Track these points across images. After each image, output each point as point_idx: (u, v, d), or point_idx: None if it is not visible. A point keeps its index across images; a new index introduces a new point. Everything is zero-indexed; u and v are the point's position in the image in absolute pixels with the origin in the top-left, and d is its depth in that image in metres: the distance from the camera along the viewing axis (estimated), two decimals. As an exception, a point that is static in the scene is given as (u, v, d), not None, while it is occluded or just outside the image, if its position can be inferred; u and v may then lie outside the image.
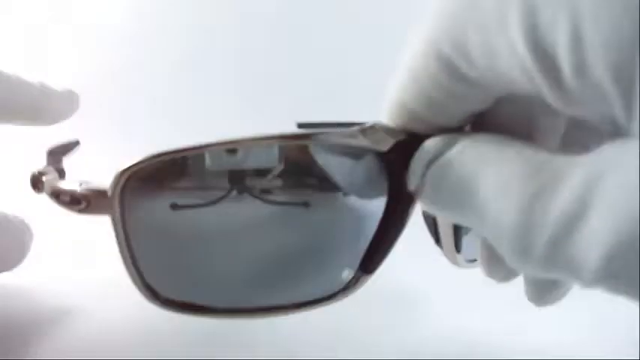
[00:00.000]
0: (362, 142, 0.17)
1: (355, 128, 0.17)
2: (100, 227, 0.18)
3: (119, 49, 0.50)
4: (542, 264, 0.12)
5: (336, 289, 0.19)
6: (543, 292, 0.18)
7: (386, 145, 0.16)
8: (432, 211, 0.16)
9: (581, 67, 0.11)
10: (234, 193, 0.18)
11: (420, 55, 0.14)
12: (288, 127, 0.19)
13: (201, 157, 0.18)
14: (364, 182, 0.18)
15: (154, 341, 0.23)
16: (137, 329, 0.24)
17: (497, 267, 0.19)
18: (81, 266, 0.28)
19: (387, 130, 0.17)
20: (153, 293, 0.18)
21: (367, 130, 0.17)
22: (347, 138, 0.17)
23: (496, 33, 0.12)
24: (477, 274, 0.20)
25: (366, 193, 0.19)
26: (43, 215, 0.23)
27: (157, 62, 0.50)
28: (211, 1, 0.50)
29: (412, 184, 0.16)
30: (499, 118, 0.16)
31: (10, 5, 0.50)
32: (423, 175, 0.15)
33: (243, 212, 0.18)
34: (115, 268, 0.18)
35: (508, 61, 0.12)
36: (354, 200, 0.19)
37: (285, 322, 0.20)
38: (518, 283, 0.19)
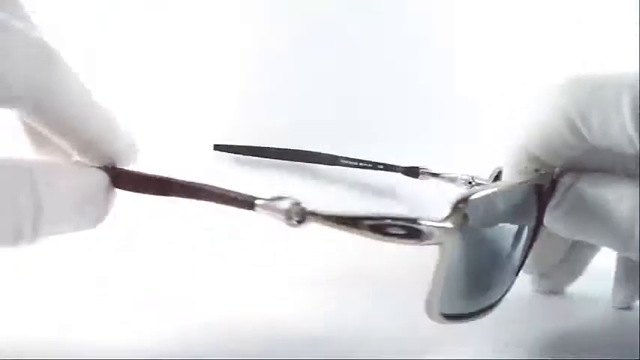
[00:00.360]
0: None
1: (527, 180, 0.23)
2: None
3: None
4: None
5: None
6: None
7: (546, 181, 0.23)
8: (571, 230, 0.23)
9: None
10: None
11: (552, 117, 0.21)
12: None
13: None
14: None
15: None
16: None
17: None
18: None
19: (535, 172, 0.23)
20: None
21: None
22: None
23: (613, 115, 0.20)
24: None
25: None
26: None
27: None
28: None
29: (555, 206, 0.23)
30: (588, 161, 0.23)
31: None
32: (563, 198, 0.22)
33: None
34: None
35: (618, 133, 0.20)
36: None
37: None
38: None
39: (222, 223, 0.31)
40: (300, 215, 0.19)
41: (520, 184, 0.22)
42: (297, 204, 0.19)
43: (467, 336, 0.23)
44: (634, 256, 0.21)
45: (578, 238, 0.23)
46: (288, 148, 0.42)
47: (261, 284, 0.30)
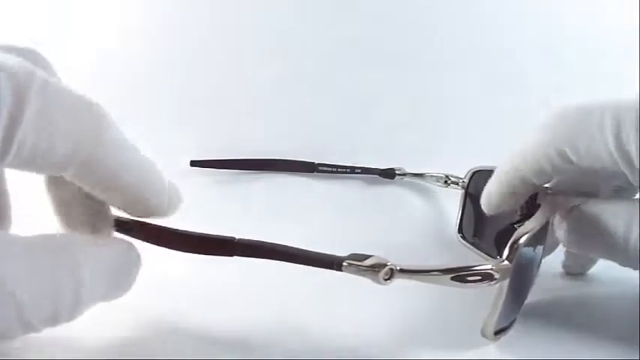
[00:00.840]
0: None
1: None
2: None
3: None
4: None
5: None
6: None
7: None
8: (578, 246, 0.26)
9: None
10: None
11: (543, 147, 0.24)
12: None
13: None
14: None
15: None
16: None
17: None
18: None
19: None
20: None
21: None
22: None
23: (599, 142, 0.22)
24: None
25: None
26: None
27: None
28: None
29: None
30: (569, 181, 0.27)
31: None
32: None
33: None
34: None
35: (605, 157, 0.22)
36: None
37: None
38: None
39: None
40: (389, 273, 0.21)
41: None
42: (385, 264, 0.21)
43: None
44: (633, 268, 0.24)
45: (582, 252, 0.26)
46: (265, 158, 0.43)
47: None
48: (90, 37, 0.45)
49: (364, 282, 0.22)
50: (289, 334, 0.25)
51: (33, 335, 0.19)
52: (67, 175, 0.19)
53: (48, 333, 0.20)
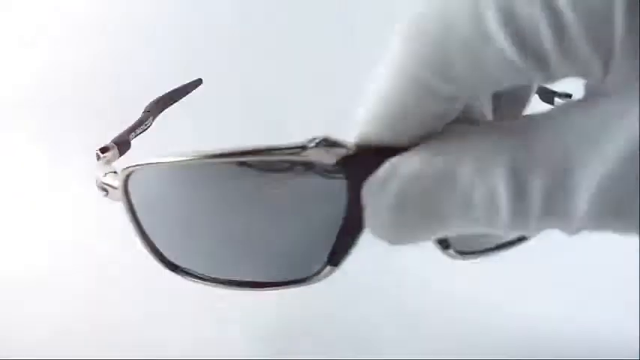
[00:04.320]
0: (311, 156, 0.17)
1: (302, 142, 0.17)
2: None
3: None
4: (540, 220, 0.14)
5: (306, 276, 0.20)
6: None
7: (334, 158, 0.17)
8: (396, 235, 0.16)
9: (567, 51, 0.12)
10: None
11: (397, 88, 0.14)
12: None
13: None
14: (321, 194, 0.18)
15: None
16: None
17: None
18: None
19: (337, 144, 0.17)
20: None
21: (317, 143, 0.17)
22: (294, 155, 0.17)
23: (480, 46, 0.13)
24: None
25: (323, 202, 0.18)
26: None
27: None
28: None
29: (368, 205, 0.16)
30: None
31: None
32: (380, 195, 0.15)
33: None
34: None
35: (497, 67, 0.13)
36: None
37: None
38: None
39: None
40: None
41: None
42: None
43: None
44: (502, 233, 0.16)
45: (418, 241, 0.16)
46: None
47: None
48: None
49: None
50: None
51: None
52: None
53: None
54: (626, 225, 0.13)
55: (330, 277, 0.19)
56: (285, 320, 0.26)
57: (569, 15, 0.12)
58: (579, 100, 0.14)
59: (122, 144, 0.25)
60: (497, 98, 0.18)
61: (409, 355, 0.24)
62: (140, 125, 0.29)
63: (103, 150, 0.24)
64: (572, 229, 0.13)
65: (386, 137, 0.15)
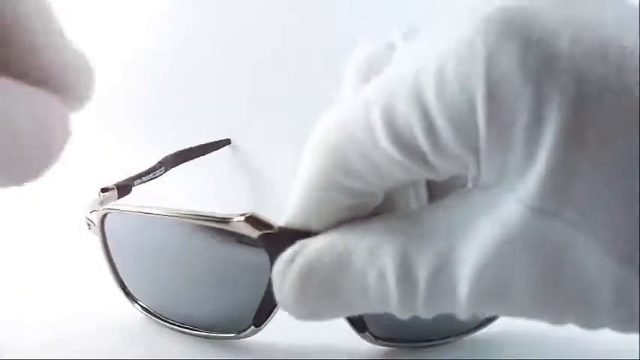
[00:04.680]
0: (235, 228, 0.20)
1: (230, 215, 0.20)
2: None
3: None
4: (427, 304, 0.15)
5: (234, 332, 0.23)
6: None
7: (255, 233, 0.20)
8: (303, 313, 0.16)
9: (438, 148, 0.14)
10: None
11: (314, 183, 0.16)
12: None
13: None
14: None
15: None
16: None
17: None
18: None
19: (260, 222, 0.20)
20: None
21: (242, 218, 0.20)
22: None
23: (371, 150, 0.15)
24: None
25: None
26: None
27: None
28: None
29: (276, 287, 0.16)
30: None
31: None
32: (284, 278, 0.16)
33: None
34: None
35: (388, 166, 0.15)
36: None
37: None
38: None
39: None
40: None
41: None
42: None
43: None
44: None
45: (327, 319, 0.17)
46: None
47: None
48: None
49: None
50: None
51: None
52: None
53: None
54: (508, 310, 0.14)
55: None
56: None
57: (438, 120, 0.14)
58: (468, 190, 0.15)
59: (123, 188, 0.28)
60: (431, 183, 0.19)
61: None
62: (148, 174, 0.32)
63: (104, 190, 0.27)
64: (460, 313, 0.14)
65: (309, 223, 0.17)
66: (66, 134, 0.14)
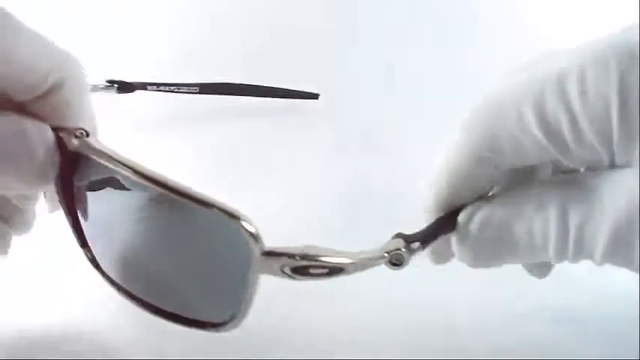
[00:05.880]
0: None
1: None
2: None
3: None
4: (574, 257, 0.19)
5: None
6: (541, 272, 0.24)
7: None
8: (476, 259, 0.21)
9: (579, 139, 0.18)
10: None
11: (463, 160, 0.20)
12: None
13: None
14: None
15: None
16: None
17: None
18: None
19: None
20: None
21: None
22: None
23: (522, 134, 0.19)
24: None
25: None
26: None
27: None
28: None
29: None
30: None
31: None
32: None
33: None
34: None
35: (532, 149, 0.19)
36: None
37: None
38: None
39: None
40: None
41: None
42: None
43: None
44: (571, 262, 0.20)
45: (494, 265, 0.21)
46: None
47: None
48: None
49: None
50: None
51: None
52: None
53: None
54: (632, 264, 0.18)
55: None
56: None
57: (581, 118, 0.18)
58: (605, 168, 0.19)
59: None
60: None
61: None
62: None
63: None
64: (596, 262, 0.19)
65: (450, 188, 0.21)
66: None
